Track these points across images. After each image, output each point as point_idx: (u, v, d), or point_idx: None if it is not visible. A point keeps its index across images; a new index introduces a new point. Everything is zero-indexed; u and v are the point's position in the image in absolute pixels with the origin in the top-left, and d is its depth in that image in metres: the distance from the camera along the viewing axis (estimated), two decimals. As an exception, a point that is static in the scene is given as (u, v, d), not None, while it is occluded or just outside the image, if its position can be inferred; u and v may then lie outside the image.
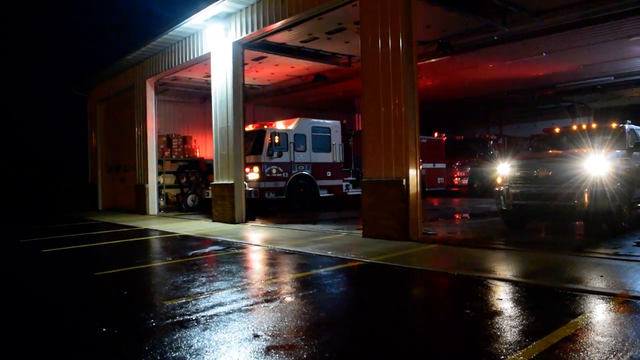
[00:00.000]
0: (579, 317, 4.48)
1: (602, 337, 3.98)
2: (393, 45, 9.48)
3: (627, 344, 3.78)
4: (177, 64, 16.36)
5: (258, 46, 14.41)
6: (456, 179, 23.61)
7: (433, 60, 15.64)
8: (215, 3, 12.67)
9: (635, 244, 8.04)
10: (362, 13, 10.20)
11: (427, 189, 21.16)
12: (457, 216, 14.69)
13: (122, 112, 20.66)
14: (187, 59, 15.79)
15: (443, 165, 22.53)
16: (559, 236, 10.00)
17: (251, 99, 22.34)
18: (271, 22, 12.35)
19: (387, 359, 3.77)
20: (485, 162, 21.99)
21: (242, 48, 13.91)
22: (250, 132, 16.32)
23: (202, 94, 21.31)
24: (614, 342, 3.85)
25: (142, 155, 18.59)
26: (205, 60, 15.13)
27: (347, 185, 18.20)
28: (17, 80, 27.16)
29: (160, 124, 19.94)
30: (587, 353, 3.63)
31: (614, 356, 3.55)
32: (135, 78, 18.97)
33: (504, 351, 3.72)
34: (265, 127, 16.43)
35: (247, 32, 13.12)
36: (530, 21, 12.73)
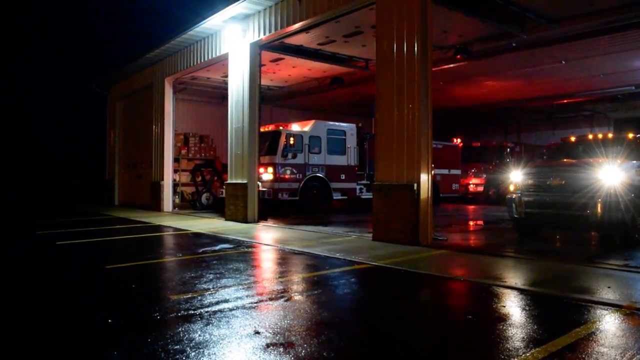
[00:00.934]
0: (582, 326, 4.46)
1: (603, 347, 3.96)
2: (408, 50, 9.50)
3: (627, 355, 3.75)
4: (195, 63, 16.54)
5: (275, 48, 14.51)
6: (471, 185, 23.48)
7: (450, 65, 15.59)
8: (234, 4, 12.80)
9: (647, 256, 7.94)
10: (378, 16, 10.23)
11: (441, 195, 21.09)
12: (469, 223, 14.62)
13: (141, 110, 20.93)
14: (205, 59, 15.96)
15: (458, 172, 22.42)
16: (570, 246, 9.91)
17: (268, 100, 22.48)
18: (288, 24, 12.44)
19: (382, 358, 3.80)
20: (502, 170, 21.83)
21: (260, 49, 14.01)
22: (265, 132, 16.41)
23: (220, 94, 21.47)
24: (614, 352, 3.82)
25: (158, 152, 18.81)
26: (223, 60, 15.28)
27: (360, 189, 18.20)
28: (38, 77, 27.68)
29: (178, 122, 20.16)
30: (585, 362, 3.61)
31: (612, 366, 3.54)
32: (155, 77, 19.21)
33: (502, 358, 3.72)
34: (281, 128, 16.51)
35: (264, 34, 13.23)
36: (549, 28, 12.62)
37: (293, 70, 17.80)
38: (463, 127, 29.30)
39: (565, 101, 23.08)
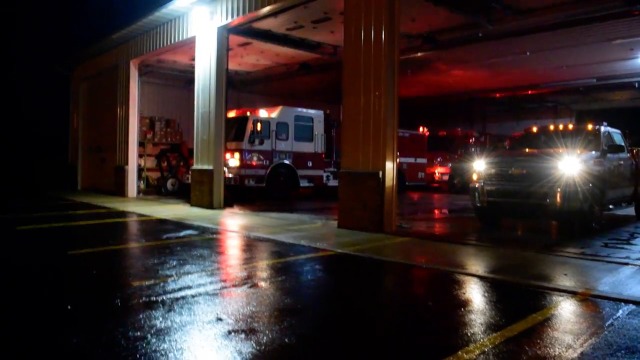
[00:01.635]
0: (538, 312, 4.59)
1: (557, 332, 4.08)
2: (375, 37, 9.51)
3: (580, 339, 3.88)
4: (162, 46, 16.21)
5: (243, 32, 14.32)
6: (437, 174, 23.77)
7: (418, 54, 15.69)
8: (202, -14, 12.58)
9: (602, 244, 8.20)
10: (346, 3, 10.20)
11: (407, 183, 21.30)
12: (434, 211, 14.83)
13: (105, 92, 20.41)
14: (172, 42, 15.65)
15: (424, 160, 22.66)
16: (531, 234, 10.17)
17: (236, 86, 22.24)
18: (257, 8, 12.29)
19: (342, 343, 3.84)
20: (467, 159, 22.15)
21: (227, 33, 13.82)
22: (232, 118, 16.24)
23: (187, 78, 21.09)
24: (568, 337, 3.95)
25: (123, 136, 18.43)
26: (190, 43, 15.01)
27: (327, 176, 18.22)
28: (-2, 55, 26.64)
29: (144, 106, 19.77)
30: (540, 347, 3.72)
31: (566, 350, 3.65)
32: (120, 58, 18.75)
33: (460, 343, 3.80)
34: (248, 113, 16.36)
35: (232, 17, 13.05)
36: (514, 19, 12.80)
37: (261, 55, 17.62)
38: (429, 116, 29.56)
39: (529, 92, 23.53)
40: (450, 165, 23.60)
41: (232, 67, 19.04)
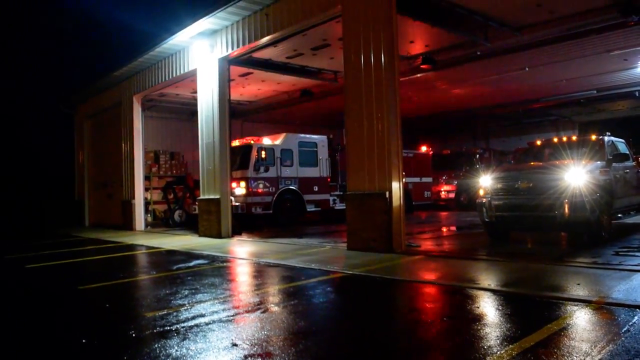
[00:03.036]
0: (554, 322, 4.56)
1: (574, 341, 4.06)
2: (375, 61, 9.64)
3: (597, 347, 3.86)
4: (163, 80, 16.45)
5: (244, 62, 14.54)
6: (443, 192, 23.78)
7: (417, 75, 15.84)
8: (201, 20, 12.81)
9: (613, 253, 8.15)
10: (344, 29, 10.37)
11: (413, 203, 21.29)
12: (443, 229, 14.80)
13: (109, 128, 20.66)
14: (174, 75, 15.89)
15: (430, 179, 22.70)
16: (541, 246, 10.12)
17: (239, 115, 22.45)
18: (256, 39, 12.50)
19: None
20: (472, 176, 22.15)
21: (228, 64, 14.03)
22: (237, 147, 16.39)
23: (190, 110, 21.35)
24: (585, 345, 3.92)
25: (128, 171, 18.58)
26: (191, 76, 15.24)
27: (334, 200, 18.25)
28: (1, 96, 27.08)
29: (148, 139, 19.95)
30: (557, 356, 3.70)
31: (584, 358, 3.62)
32: (122, 94, 19.02)
33: (477, 357, 3.78)
34: (252, 142, 16.51)
35: (232, 49, 13.26)
36: (512, 36, 12.95)
37: (262, 84, 17.85)
38: (432, 134, 29.72)
39: (530, 107, 23.61)
40: (455, 182, 23.61)
41: (234, 97, 19.25)
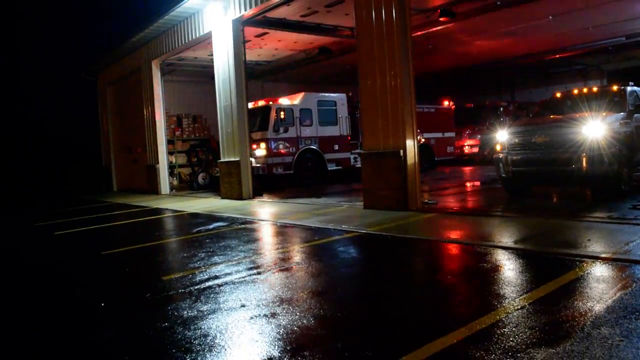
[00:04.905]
0: (559, 279, 4.59)
1: (576, 297, 4.10)
2: (387, 16, 9.48)
3: (597, 304, 3.90)
4: (180, 44, 16.47)
5: (258, 23, 14.40)
6: (466, 147, 23.53)
7: (436, 28, 15.48)
8: (213, -19, 12.70)
9: (631, 207, 8.06)
10: (355, -16, 10.18)
11: (436, 159, 21.17)
12: (462, 184, 14.73)
13: (131, 94, 20.89)
14: (189, 39, 15.88)
15: (452, 134, 22.43)
16: (557, 201, 10.06)
17: (259, 76, 22.40)
18: (268, -2, 12.36)
19: (360, 322, 3.95)
20: (496, 129, 21.79)
21: (242, 25, 13.94)
22: (255, 108, 16.43)
23: (209, 73, 21.21)
24: (584, 302, 3.96)
25: (151, 136, 18.86)
26: (207, 39, 15.21)
27: (354, 158, 18.24)
28: (27, 67, 27.51)
29: (170, 104, 20.14)
30: (556, 311, 3.76)
31: (581, 314, 3.68)
32: (141, 60, 19.13)
33: (494, 304, 3.87)
34: (271, 103, 16.51)
35: (245, 10, 13.15)
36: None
37: (279, 43, 17.69)
38: (456, 88, 29.15)
39: (556, 56, 22.92)
40: (479, 137, 23.30)
41: (252, 58, 19.20)
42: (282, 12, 13.87)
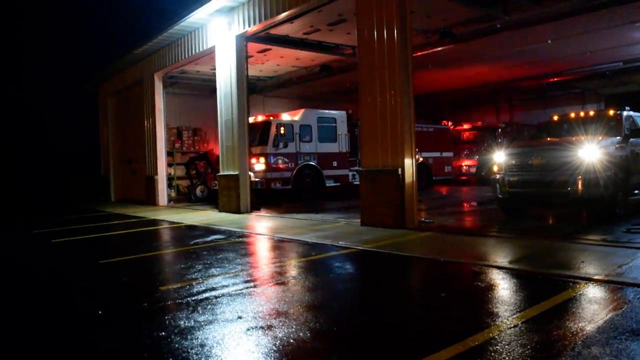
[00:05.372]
0: (550, 299, 4.66)
1: (566, 318, 4.16)
2: (388, 36, 9.64)
3: (587, 325, 3.97)
4: (183, 57, 16.65)
5: (262, 39, 14.61)
6: (464, 167, 23.67)
7: (437, 49, 15.67)
8: (218, -3, 12.91)
9: (625, 230, 8.14)
10: (358, 4, 10.36)
11: (434, 178, 21.30)
12: (460, 204, 14.82)
13: (132, 105, 21.04)
14: (193, 53, 16.07)
15: (450, 154, 22.58)
16: (553, 223, 10.14)
17: (260, 91, 22.59)
18: (272, 16, 12.54)
19: (355, 336, 4.01)
20: (493, 150, 21.95)
21: (246, 41, 14.12)
22: (256, 123, 16.59)
23: (210, 87, 21.43)
24: (575, 323, 4.03)
25: (151, 147, 18.96)
26: (210, 53, 15.38)
27: (353, 175, 18.34)
28: (28, 76, 27.68)
29: (171, 116, 20.28)
30: (546, 332, 3.82)
31: (571, 335, 3.74)
32: (144, 72, 19.30)
33: (487, 322, 3.93)
34: (271, 118, 16.66)
35: (249, 26, 13.33)
36: (531, 9, 12.72)
37: (281, 60, 17.90)
38: (455, 109, 29.40)
39: (554, 80, 23.18)
40: (477, 157, 23.46)
41: (254, 74, 19.42)
42: (285, 30, 14.08)
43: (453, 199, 16.58)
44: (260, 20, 12.98)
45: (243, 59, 14.11)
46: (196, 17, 14.46)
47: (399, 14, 9.52)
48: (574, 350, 3.44)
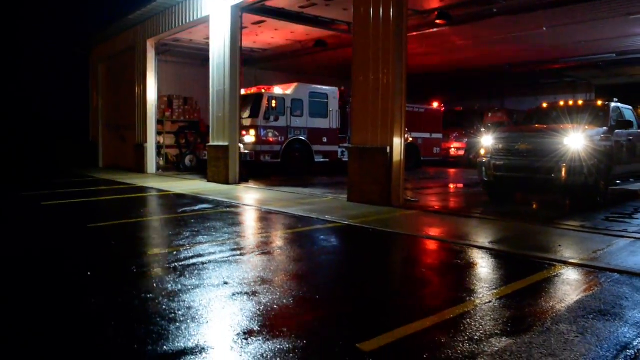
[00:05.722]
0: (525, 279, 4.85)
1: (537, 297, 4.35)
2: (384, 14, 9.67)
3: (557, 304, 4.15)
4: (177, 25, 16.51)
5: (257, 10, 14.52)
6: (453, 149, 23.86)
7: (433, 30, 15.69)
8: (215, -35, 12.79)
9: (604, 218, 8.36)
10: (355, -19, 10.36)
11: (422, 159, 21.47)
12: (446, 185, 15.01)
13: (123, 71, 20.86)
14: (187, 21, 15.93)
15: (440, 136, 22.73)
16: (536, 208, 10.35)
17: (254, 63, 22.48)
18: (269, -14, 12.48)
19: (335, 304, 4.17)
20: (482, 134, 22.09)
21: (241, 12, 14.04)
22: (248, 95, 16.58)
23: (203, 56, 21.23)
24: (545, 302, 4.22)
25: (141, 115, 18.88)
26: (204, 23, 15.27)
27: (342, 152, 18.44)
28: (17, 39, 27.24)
29: (162, 84, 20.13)
30: (515, 309, 4.01)
31: (540, 314, 3.93)
32: (136, 38, 19.11)
33: (463, 297, 4.10)
34: (263, 90, 16.63)
35: (245, -4, 13.26)
36: (528, -6, 12.78)
37: (276, 32, 17.80)
38: (448, 91, 29.48)
39: (548, 67, 23.31)
40: (466, 140, 23.64)
41: (248, 45, 19.30)
42: (282, 2, 14.02)
43: (440, 180, 16.77)
44: (257, -9, 12.91)
45: (238, 29, 14.04)
46: (192, -16, 14.35)
47: (396, -7, 9.53)
48: (543, 326, 3.62)
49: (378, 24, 9.76)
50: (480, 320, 3.73)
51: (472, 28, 16.27)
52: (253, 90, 17.07)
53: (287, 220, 8.31)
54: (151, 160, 18.77)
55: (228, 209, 9.54)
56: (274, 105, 16.30)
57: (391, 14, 9.57)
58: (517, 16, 14.57)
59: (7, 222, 8.65)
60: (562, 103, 11.90)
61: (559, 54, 20.82)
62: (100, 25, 21.46)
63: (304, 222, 8.09)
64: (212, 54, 14.68)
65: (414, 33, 15.36)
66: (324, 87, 18.38)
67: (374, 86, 9.85)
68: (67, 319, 3.90)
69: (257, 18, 15.54)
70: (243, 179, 14.37)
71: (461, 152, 23.79)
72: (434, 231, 7.50)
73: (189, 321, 3.70)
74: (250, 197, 11.45)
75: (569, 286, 4.70)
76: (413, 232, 7.34)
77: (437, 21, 14.83)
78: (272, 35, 18.25)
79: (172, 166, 20.47)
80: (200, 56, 21.69)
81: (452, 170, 21.37)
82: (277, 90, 17.05)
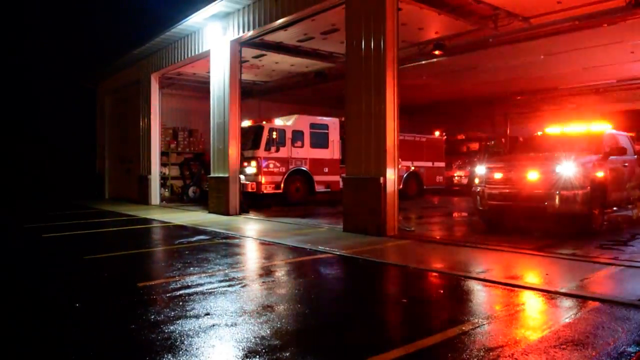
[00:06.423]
0: (504, 309, 4.88)
1: (513, 326, 4.38)
2: (375, 48, 9.89)
3: (533, 334, 4.18)
4: (179, 60, 16.92)
5: (256, 45, 14.88)
6: (456, 177, 23.91)
7: (431, 60, 15.91)
8: (214, 3, 13.17)
9: (597, 245, 8.36)
10: (347, 16, 10.65)
11: (425, 187, 21.53)
12: (445, 214, 15.03)
13: (129, 105, 21.30)
14: (189, 56, 16.33)
15: (442, 164, 22.82)
16: (530, 236, 10.34)
17: (256, 94, 22.83)
18: (266, 23, 12.81)
19: (312, 332, 4.22)
20: (478, 163, 22.13)
21: (240, 46, 14.38)
22: (249, 127, 16.85)
23: (206, 89, 21.73)
24: (522, 330, 4.26)
25: (145, 147, 19.19)
26: (205, 57, 15.63)
27: (344, 182, 18.55)
28: (27, 73, 27.91)
29: (167, 116, 20.52)
30: (490, 338, 4.04)
31: (514, 343, 3.96)
32: (141, 73, 19.55)
33: (415, 335, 4.15)
34: (264, 122, 16.89)
35: (244, 31, 13.59)
36: (521, 25, 12.97)
37: (276, 65, 18.16)
38: (450, 119, 29.65)
39: (548, 95, 23.48)
40: (469, 168, 23.69)
41: (249, 78, 19.69)
42: (280, 37, 14.35)
43: (440, 208, 16.80)
44: (254, 27, 13.24)
45: (237, 63, 14.36)
46: (192, 21, 14.73)
47: (387, 25, 9.75)
48: (512, 356, 3.65)
49: (369, 55, 9.98)
50: (452, 352, 3.77)
51: (470, 58, 16.46)
52: (254, 122, 17.33)
53: (279, 251, 8.39)
54: (155, 191, 18.99)
55: (224, 240, 9.64)
56: (275, 136, 16.53)
57: (382, 46, 9.78)
58: (513, 45, 14.75)
59: (4, 253, 8.79)
60: (556, 131, 11.99)
61: (559, 81, 20.99)
62: (107, 59, 21.98)
63: (297, 253, 8.16)
64: (212, 88, 14.99)
65: (411, 64, 15.61)
66: (325, 118, 18.63)
67: (366, 116, 10.01)
68: (48, 346, 3.99)
69: (257, 52, 15.90)
70: (243, 209, 14.50)
71: (464, 180, 23.81)
72: (423, 262, 7.54)
73: (164, 351, 3.77)
74: (248, 228, 11.55)
75: (547, 316, 4.72)
76: (402, 263, 7.38)
77: (433, 52, 15.09)
78: (273, 67, 18.60)
79: (176, 197, 20.67)
80: (203, 89, 21.90)
81: (455, 199, 21.38)
82: (278, 122, 17.31)
